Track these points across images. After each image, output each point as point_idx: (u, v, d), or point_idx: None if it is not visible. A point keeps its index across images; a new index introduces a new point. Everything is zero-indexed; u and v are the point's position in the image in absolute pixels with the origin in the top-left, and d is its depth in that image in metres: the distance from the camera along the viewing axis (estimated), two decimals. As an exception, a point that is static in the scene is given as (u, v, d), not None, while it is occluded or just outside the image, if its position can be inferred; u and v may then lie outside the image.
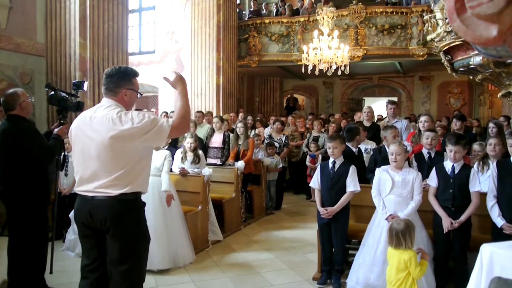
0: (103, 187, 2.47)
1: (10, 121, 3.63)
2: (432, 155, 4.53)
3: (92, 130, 2.49)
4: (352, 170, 4.09)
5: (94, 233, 2.56)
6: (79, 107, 3.90)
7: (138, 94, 2.72)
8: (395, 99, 14.85)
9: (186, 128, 2.65)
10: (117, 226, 2.49)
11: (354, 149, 5.01)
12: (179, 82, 2.60)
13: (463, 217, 3.63)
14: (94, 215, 2.49)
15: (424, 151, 4.60)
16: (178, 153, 5.60)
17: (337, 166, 4.14)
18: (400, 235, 3.06)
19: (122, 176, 2.47)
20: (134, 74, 2.68)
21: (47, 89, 4.10)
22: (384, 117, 10.14)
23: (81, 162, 2.54)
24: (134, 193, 2.53)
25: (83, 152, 2.53)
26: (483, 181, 4.05)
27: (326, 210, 4.03)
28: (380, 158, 4.68)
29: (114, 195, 2.46)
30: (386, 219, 3.73)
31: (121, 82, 2.59)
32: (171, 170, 4.89)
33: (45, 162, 3.70)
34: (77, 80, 4.28)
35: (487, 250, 2.38)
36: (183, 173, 5.38)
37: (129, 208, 2.52)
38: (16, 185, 3.56)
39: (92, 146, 2.48)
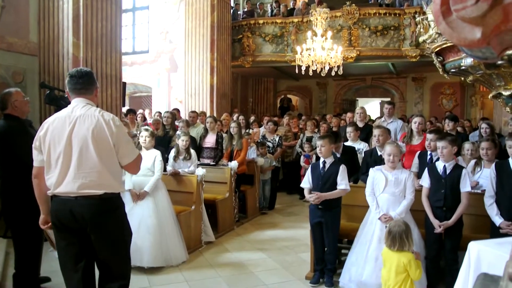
0: (86, 188, 2.54)
1: (4, 120, 3.70)
2: (434, 158, 4.39)
3: (75, 129, 2.56)
4: (342, 169, 4.12)
5: (74, 232, 2.62)
6: None
7: None
8: (388, 99, 14.94)
9: (136, 168, 2.86)
10: (105, 224, 2.61)
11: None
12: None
13: (452, 219, 3.65)
14: (77, 214, 2.55)
15: (428, 152, 4.53)
16: (172, 153, 5.63)
17: (327, 166, 4.18)
18: (404, 237, 3.07)
19: (105, 175, 2.58)
20: None
21: (42, 88, 4.10)
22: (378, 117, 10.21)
23: (61, 164, 2.57)
24: (117, 192, 2.70)
25: (62, 153, 2.56)
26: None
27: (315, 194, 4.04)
28: (372, 161, 4.69)
29: (99, 194, 2.57)
30: (379, 218, 3.77)
31: (93, 81, 2.79)
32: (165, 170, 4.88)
33: (26, 162, 3.66)
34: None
35: (474, 248, 2.42)
36: (174, 173, 5.43)
37: (114, 205, 2.69)
38: (10, 183, 3.59)
39: (74, 145, 2.55)
